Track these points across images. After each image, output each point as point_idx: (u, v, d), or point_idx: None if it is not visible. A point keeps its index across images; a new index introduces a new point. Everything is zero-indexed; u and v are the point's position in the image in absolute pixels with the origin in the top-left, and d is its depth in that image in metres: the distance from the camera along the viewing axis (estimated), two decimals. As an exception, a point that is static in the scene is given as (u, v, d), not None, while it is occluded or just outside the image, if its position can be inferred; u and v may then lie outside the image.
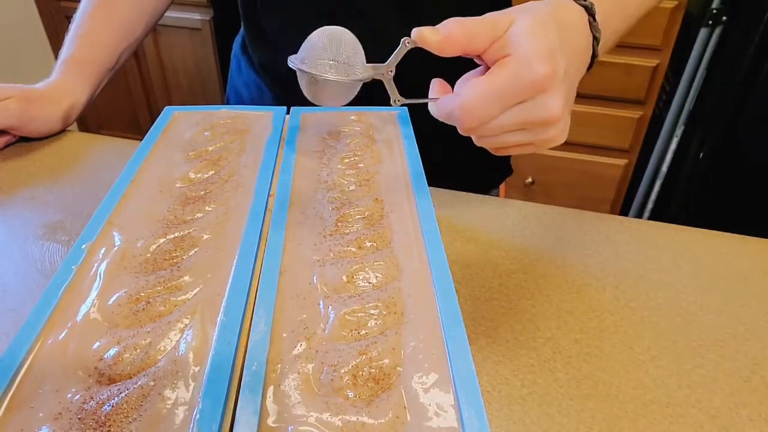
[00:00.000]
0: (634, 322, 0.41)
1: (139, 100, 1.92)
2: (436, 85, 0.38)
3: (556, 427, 0.34)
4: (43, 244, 0.46)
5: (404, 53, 0.38)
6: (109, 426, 0.26)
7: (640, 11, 0.48)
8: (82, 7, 0.67)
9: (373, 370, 0.28)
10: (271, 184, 0.43)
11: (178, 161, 0.46)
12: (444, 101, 0.35)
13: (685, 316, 0.42)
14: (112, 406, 0.26)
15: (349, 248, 0.36)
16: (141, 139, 0.49)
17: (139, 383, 0.27)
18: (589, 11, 0.39)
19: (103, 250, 0.36)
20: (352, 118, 0.52)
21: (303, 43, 0.41)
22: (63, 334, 0.30)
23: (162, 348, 0.30)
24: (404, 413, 0.27)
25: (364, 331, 0.31)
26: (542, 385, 0.36)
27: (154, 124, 0.50)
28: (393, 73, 0.39)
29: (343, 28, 0.41)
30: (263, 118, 0.52)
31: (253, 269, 0.35)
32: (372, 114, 0.53)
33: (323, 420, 0.26)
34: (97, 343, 0.30)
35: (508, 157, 0.75)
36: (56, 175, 0.55)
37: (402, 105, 0.41)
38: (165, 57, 1.81)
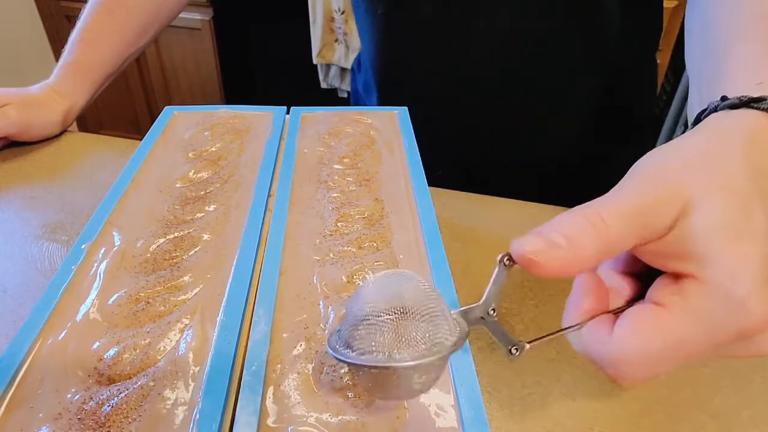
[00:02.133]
0: (635, 322, 0.41)
1: (138, 100, 1.92)
2: (583, 297, 0.24)
3: (558, 427, 0.33)
4: (42, 244, 0.46)
5: (504, 280, 0.25)
6: (109, 426, 0.26)
7: None
8: (88, 10, 0.66)
9: (374, 371, 0.28)
10: (271, 184, 0.43)
11: (178, 161, 0.46)
12: (592, 342, 0.23)
13: (686, 316, 0.42)
14: (112, 407, 0.26)
15: (349, 248, 0.36)
16: (141, 139, 0.48)
17: (139, 383, 0.27)
18: None
19: (102, 250, 0.36)
20: (352, 118, 0.52)
21: (347, 309, 0.26)
22: (63, 335, 0.30)
23: (162, 348, 0.30)
24: (404, 413, 0.26)
25: (364, 331, 0.31)
26: (544, 386, 0.36)
27: (154, 124, 0.50)
28: (496, 313, 0.25)
29: (398, 271, 0.26)
30: (263, 118, 0.52)
31: (253, 269, 0.35)
32: (372, 114, 0.53)
33: (323, 420, 0.26)
34: (97, 343, 0.30)
35: None
36: (56, 175, 0.55)
37: (527, 348, 0.25)
38: (165, 57, 1.81)
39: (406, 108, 0.53)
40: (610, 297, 0.25)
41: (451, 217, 0.50)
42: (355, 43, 1.62)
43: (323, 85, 1.77)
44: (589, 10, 0.54)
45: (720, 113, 0.26)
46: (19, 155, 0.58)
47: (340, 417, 0.26)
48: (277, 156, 0.46)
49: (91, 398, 0.27)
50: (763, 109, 0.24)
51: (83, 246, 0.36)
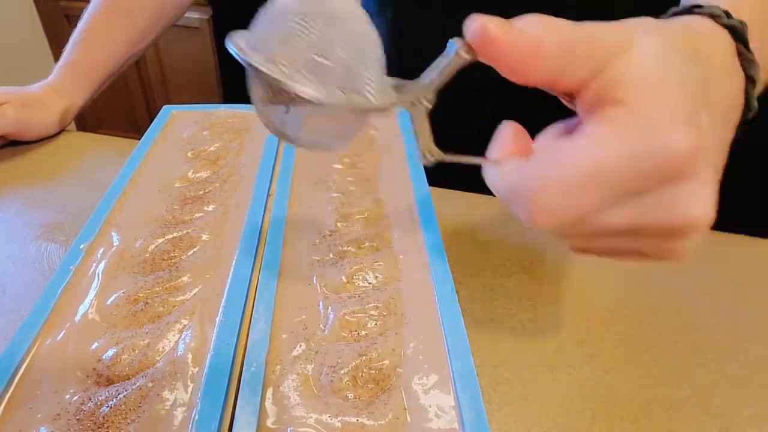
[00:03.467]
0: (635, 322, 0.41)
1: (137, 99, 1.92)
2: (507, 136, 0.24)
3: (557, 427, 0.33)
4: (41, 244, 0.45)
5: (454, 71, 0.22)
6: (108, 427, 0.26)
7: None
8: (90, 11, 0.66)
9: (373, 371, 0.28)
10: (270, 183, 0.43)
11: (177, 161, 0.46)
12: (509, 172, 0.22)
13: (686, 316, 0.42)
14: (111, 407, 0.26)
15: (349, 248, 0.36)
16: (139, 139, 0.48)
17: (138, 384, 0.27)
18: (738, 35, 0.24)
19: (101, 251, 0.36)
20: (352, 117, 0.52)
21: (268, 5, 0.23)
22: (61, 335, 0.30)
23: (160, 349, 0.29)
24: (404, 414, 0.26)
25: (363, 332, 0.31)
26: (543, 386, 0.36)
27: (153, 123, 0.50)
28: (431, 105, 0.23)
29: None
30: (262, 117, 0.52)
31: (253, 269, 0.35)
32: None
33: (323, 421, 0.26)
34: (96, 344, 0.30)
35: None
36: (55, 175, 0.55)
37: (437, 162, 0.25)
38: (164, 56, 1.81)
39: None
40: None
41: (451, 217, 0.50)
42: (355, 42, 1.62)
43: (322, 85, 1.77)
44: (603, 5, 0.54)
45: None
46: (18, 155, 0.58)
47: (339, 418, 0.26)
48: (276, 155, 0.46)
49: (90, 399, 0.27)
50: (703, 14, 0.25)
51: (82, 246, 0.36)
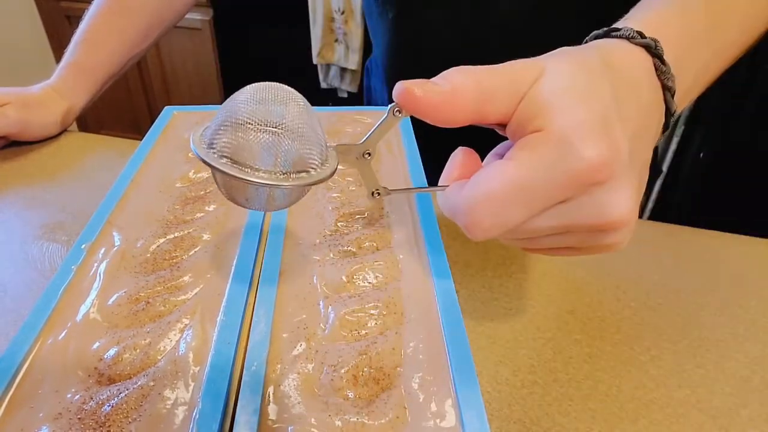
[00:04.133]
0: (635, 322, 0.41)
1: (138, 100, 1.92)
2: (457, 161, 0.27)
3: (557, 427, 0.33)
4: (42, 244, 0.46)
5: (391, 128, 0.27)
6: (109, 426, 0.26)
7: (748, 30, 0.34)
8: (92, 11, 0.66)
9: (373, 371, 0.28)
10: (271, 184, 0.43)
11: (178, 161, 0.46)
12: (450, 194, 0.25)
13: (685, 316, 0.42)
14: (112, 407, 0.26)
15: (349, 248, 0.36)
16: (141, 139, 0.48)
17: (139, 383, 0.27)
18: (653, 51, 0.27)
19: (102, 250, 0.36)
20: (352, 118, 0.52)
21: (221, 108, 0.27)
22: (63, 335, 0.30)
23: (162, 348, 0.30)
24: (404, 413, 0.27)
25: (364, 332, 0.31)
26: (542, 386, 0.36)
27: (154, 124, 0.50)
28: (372, 157, 0.27)
29: (277, 84, 0.27)
30: (263, 118, 0.52)
31: (253, 269, 0.35)
32: (372, 114, 0.53)
33: (323, 420, 0.26)
34: (97, 344, 0.30)
35: None
36: (56, 175, 0.55)
37: (387, 195, 0.28)
38: (165, 57, 1.81)
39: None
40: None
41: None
42: (355, 43, 1.62)
43: (323, 85, 1.77)
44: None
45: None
46: (19, 155, 0.58)
47: (340, 417, 0.26)
48: (277, 156, 0.46)
49: (91, 398, 0.27)
50: (619, 36, 0.28)
51: (83, 246, 0.36)
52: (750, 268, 0.47)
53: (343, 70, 1.72)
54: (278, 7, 1.69)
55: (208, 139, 0.25)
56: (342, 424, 0.26)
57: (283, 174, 0.24)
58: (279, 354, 0.29)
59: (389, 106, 0.26)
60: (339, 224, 0.39)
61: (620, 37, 0.28)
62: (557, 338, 0.39)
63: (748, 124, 1.29)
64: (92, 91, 0.65)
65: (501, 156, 0.25)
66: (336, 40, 1.65)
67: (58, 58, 0.65)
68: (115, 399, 0.27)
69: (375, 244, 0.37)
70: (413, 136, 0.49)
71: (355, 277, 0.34)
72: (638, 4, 0.34)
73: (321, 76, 1.75)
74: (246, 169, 0.24)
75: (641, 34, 0.28)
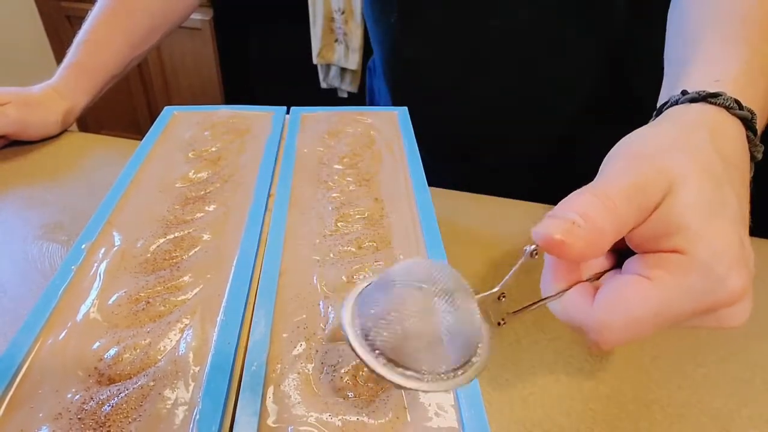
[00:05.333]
0: (635, 322, 0.41)
1: (139, 100, 1.92)
2: (557, 264, 0.25)
3: (557, 428, 0.33)
4: (42, 244, 0.46)
5: (524, 267, 0.25)
6: (109, 426, 0.26)
7: None
8: (95, 12, 0.66)
9: (374, 371, 0.28)
10: (271, 184, 0.43)
11: (178, 161, 0.46)
12: (573, 307, 0.24)
13: (686, 317, 0.42)
14: (112, 407, 0.26)
15: (349, 248, 0.36)
16: (141, 139, 0.48)
17: (139, 383, 0.27)
18: (749, 124, 0.28)
19: (102, 250, 0.36)
20: (352, 118, 0.52)
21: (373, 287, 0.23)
22: (63, 334, 0.30)
23: (162, 348, 0.30)
24: (404, 413, 0.26)
25: (364, 332, 0.31)
26: (543, 386, 0.36)
27: (154, 124, 0.50)
28: (506, 298, 0.25)
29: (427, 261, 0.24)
30: (263, 118, 0.52)
31: (253, 269, 0.35)
32: (372, 114, 0.53)
33: (323, 420, 0.26)
34: (97, 343, 0.30)
35: None
36: (56, 175, 0.55)
37: (511, 318, 0.26)
38: (165, 57, 1.81)
39: (405, 108, 0.53)
40: (582, 270, 0.26)
41: (451, 217, 0.50)
42: (355, 43, 1.62)
43: (323, 85, 1.77)
44: (600, 7, 0.55)
45: (681, 106, 0.29)
46: (19, 155, 0.58)
47: (340, 417, 0.26)
48: (277, 156, 0.46)
49: (92, 398, 0.27)
50: (718, 104, 0.28)
51: (83, 246, 0.36)
52: (750, 268, 0.46)
53: (343, 70, 1.71)
54: (278, 7, 1.69)
55: (360, 330, 0.22)
56: (342, 424, 0.26)
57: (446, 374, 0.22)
58: (279, 354, 0.29)
59: (527, 248, 0.24)
60: (339, 224, 0.39)
61: (718, 104, 0.28)
62: (558, 339, 0.39)
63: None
64: (93, 91, 0.65)
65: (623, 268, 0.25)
66: (336, 40, 1.65)
67: (58, 58, 0.65)
68: (115, 399, 0.27)
69: (375, 244, 0.37)
70: (413, 136, 0.49)
71: (355, 277, 0.34)
72: (695, 37, 0.34)
73: (321, 76, 1.75)
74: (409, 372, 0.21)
75: (739, 104, 0.28)
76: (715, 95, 0.28)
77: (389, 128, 0.50)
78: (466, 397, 0.27)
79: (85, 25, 0.65)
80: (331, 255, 0.36)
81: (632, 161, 0.24)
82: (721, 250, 0.22)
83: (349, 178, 0.43)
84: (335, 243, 0.37)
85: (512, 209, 0.52)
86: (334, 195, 0.41)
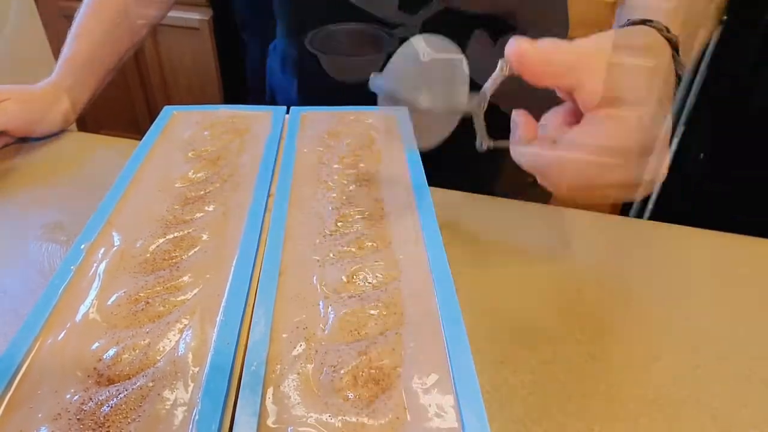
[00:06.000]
0: (635, 322, 0.41)
1: (138, 99, 1.92)
2: (522, 121, 0.33)
3: (557, 427, 0.33)
4: (42, 245, 0.46)
5: (499, 82, 0.32)
6: (108, 426, 0.26)
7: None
8: (84, 6, 0.66)
9: (373, 371, 0.28)
10: (270, 184, 0.43)
11: (178, 161, 0.46)
12: (536, 151, 0.31)
13: (685, 316, 0.42)
14: (111, 407, 0.26)
15: (349, 248, 0.36)
16: (140, 139, 0.48)
17: (138, 384, 0.27)
18: (674, 45, 0.36)
19: (102, 251, 0.36)
20: (352, 118, 0.52)
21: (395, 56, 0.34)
22: (62, 335, 0.30)
23: (161, 348, 0.29)
24: (404, 414, 0.26)
25: (363, 332, 0.31)
26: (542, 386, 0.36)
27: (154, 123, 0.50)
28: (484, 107, 0.33)
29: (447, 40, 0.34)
30: (263, 117, 0.52)
31: (253, 269, 0.35)
32: (372, 114, 0.53)
33: (323, 421, 0.26)
34: (96, 344, 0.30)
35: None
36: (55, 176, 0.55)
37: (488, 149, 0.34)
38: (164, 57, 1.81)
39: (405, 108, 0.53)
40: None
41: (451, 217, 0.50)
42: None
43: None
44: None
45: (625, 27, 0.37)
46: (20, 155, 0.58)
47: (339, 418, 0.26)
48: (276, 156, 0.46)
49: (91, 399, 0.27)
50: (653, 27, 0.36)
51: (82, 246, 0.36)
52: (750, 268, 0.47)
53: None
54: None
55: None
56: (342, 424, 0.26)
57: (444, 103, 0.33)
58: (279, 354, 0.29)
59: (500, 62, 0.32)
60: (339, 224, 0.39)
61: (652, 26, 0.36)
62: (557, 338, 0.39)
63: (748, 125, 1.29)
64: (94, 84, 0.65)
65: (569, 116, 0.33)
66: (336, 40, 1.65)
67: (57, 57, 0.65)
68: (115, 399, 0.27)
69: (375, 244, 0.37)
70: (413, 136, 0.49)
71: (355, 277, 0.34)
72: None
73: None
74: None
75: (668, 29, 0.36)
76: (651, 21, 0.36)
77: (389, 128, 0.50)
78: (466, 397, 0.27)
79: (78, 18, 0.65)
80: (331, 255, 0.36)
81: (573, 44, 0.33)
82: (635, 100, 0.30)
83: (349, 178, 0.43)
84: (335, 243, 0.37)
85: (512, 209, 0.52)
86: (334, 195, 0.41)
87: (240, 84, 1.88)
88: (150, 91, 1.90)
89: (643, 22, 0.36)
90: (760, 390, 0.36)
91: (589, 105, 0.31)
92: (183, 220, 0.39)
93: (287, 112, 0.52)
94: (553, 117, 0.34)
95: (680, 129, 1.46)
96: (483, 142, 0.33)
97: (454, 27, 0.41)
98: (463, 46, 0.35)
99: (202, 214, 0.40)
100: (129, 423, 0.26)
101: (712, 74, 1.37)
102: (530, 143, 0.33)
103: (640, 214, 1.63)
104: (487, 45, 0.58)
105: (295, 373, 0.28)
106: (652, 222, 0.52)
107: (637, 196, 0.33)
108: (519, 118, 0.34)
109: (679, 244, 0.49)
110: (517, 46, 0.31)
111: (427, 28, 0.44)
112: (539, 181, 0.32)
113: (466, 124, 0.35)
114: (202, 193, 0.42)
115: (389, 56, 0.36)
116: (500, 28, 0.55)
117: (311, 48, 0.35)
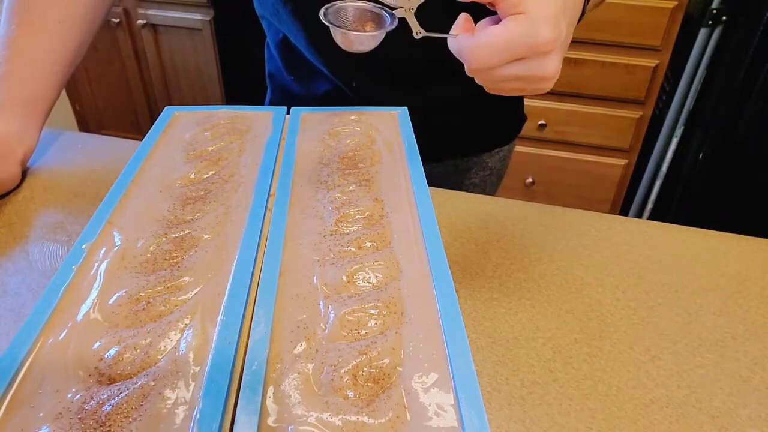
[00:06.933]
0: (634, 322, 0.41)
1: (139, 100, 1.92)
2: (461, 21, 0.40)
3: (556, 427, 0.34)
4: (42, 244, 0.46)
5: None
6: (110, 426, 0.26)
7: None
8: (4, 31, 0.54)
9: (373, 370, 0.28)
10: (271, 184, 0.43)
11: (179, 161, 0.46)
12: (461, 40, 0.38)
13: (685, 316, 0.42)
14: (113, 406, 0.26)
15: (349, 248, 0.36)
16: (141, 139, 0.49)
17: (140, 383, 0.28)
18: None
19: (103, 250, 0.36)
20: (352, 118, 0.52)
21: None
22: (63, 334, 0.30)
23: (162, 348, 0.30)
24: (404, 413, 0.27)
25: (364, 331, 0.31)
26: (542, 385, 0.36)
27: (155, 124, 0.51)
28: (414, 9, 0.41)
29: None
30: (263, 118, 0.52)
31: (253, 269, 0.35)
32: (372, 114, 0.53)
33: (323, 420, 0.26)
34: (98, 343, 0.30)
35: (521, 107, 0.77)
36: (57, 175, 0.55)
37: (423, 37, 0.41)
38: (165, 57, 1.81)
39: (405, 108, 0.53)
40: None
41: (451, 217, 0.50)
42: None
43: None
44: None
45: None
46: (20, 155, 0.58)
47: (340, 417, 0.26)
48: (277, 156, 0.46)
49: (92, 398, 0.27)
50: None
51: (84, 246, 0.36)
52: (750, 268, 0.47)
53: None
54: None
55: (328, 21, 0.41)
56: (342, 423, 0.26)
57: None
58: (279, 354, 0.29)
59: None
60: (339, 224, 0.39)
61: None
62: (557, 338, 0.39)
63: (747, 125, 1.29)
64: (41, 122, 0.56)
65: (494, 22, 0.38)
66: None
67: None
68: (116, 399, 0.27)
69: (375, 244, 0.37)
70: (413, 136, 0.49)
71: (355, 277, 0.34)
72: None
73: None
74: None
75: None
76: None
77: (389, 128, 0.50)
78: (466, 396, 0.27)
79: (2, 51, 0.54)
80: (331, 255, 0.36)
81: None
82: (543, 16, 0.35)
83: (349, 178, 0.44)
84: (335, 243, 0.37)
85: (511, 209, 0.52)
86: (334, 195, 0.42)
87: (240, 84, 1.88)
88: (151, 91, 1.90)
89: None
90: (759, 390, 0.36)
91: (504, 13, 0.37)
92: (184, 220, 0.39)
93: (288, 113, 0.53)
94: (484, 22, 0.40)
95: (680, 129, 1.46)
96: (416, 32, 0.41)
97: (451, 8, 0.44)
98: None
99: (202, 214, 0.40)
100: (130, 422, 0.26)
101: (711, 74, 1.38)
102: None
103: (639, 214, 1.64)
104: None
105: (296, 372, 0.28)
106: (652, 222, 0.52)
107: (543, 89, 0.39)
108: (460, 18, 0.40)
109: (679, 244, 0.49)
110: None
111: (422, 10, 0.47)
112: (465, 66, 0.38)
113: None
114: (202, 193, 0.42)
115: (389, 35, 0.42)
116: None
117: (325, 21, 0.41)
